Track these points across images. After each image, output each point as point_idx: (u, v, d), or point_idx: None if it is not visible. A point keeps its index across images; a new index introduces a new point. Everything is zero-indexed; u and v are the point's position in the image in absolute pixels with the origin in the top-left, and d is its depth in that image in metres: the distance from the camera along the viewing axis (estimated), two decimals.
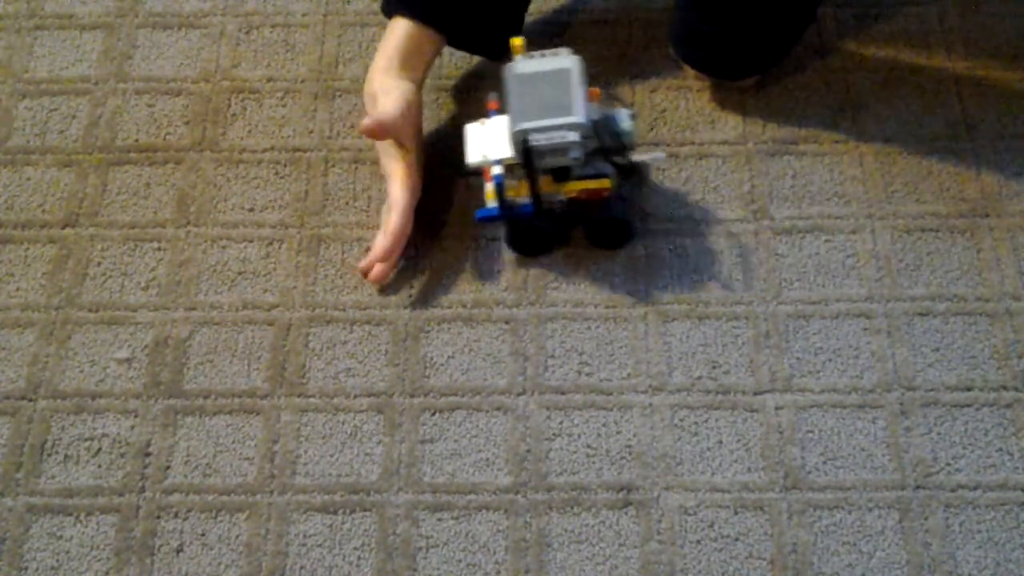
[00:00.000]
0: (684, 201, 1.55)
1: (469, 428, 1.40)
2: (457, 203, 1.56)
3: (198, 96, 1.68)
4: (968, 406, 1.40)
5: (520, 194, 1.45)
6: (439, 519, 1.34)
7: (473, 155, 1.46)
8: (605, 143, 1.43)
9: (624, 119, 1.43)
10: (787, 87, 1.66)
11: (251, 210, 1.57)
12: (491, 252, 1.51)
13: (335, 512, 1.35)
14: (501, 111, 1.46)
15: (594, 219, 1.49)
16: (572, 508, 1.34)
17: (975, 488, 1.34)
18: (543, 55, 1.45)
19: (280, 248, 1.54)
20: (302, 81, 1.69)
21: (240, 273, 1.52)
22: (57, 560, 1.33)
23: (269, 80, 1.69)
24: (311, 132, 1.64)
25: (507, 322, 1.47)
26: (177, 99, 1.68)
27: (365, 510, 1.35)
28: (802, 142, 1.61)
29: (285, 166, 1.61)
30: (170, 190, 1.59)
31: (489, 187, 1.47)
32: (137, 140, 1.64)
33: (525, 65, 1.44)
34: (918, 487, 1.34)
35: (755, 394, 1.41)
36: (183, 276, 1.52)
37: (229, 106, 1.67)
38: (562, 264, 1.50)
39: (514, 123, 1.40)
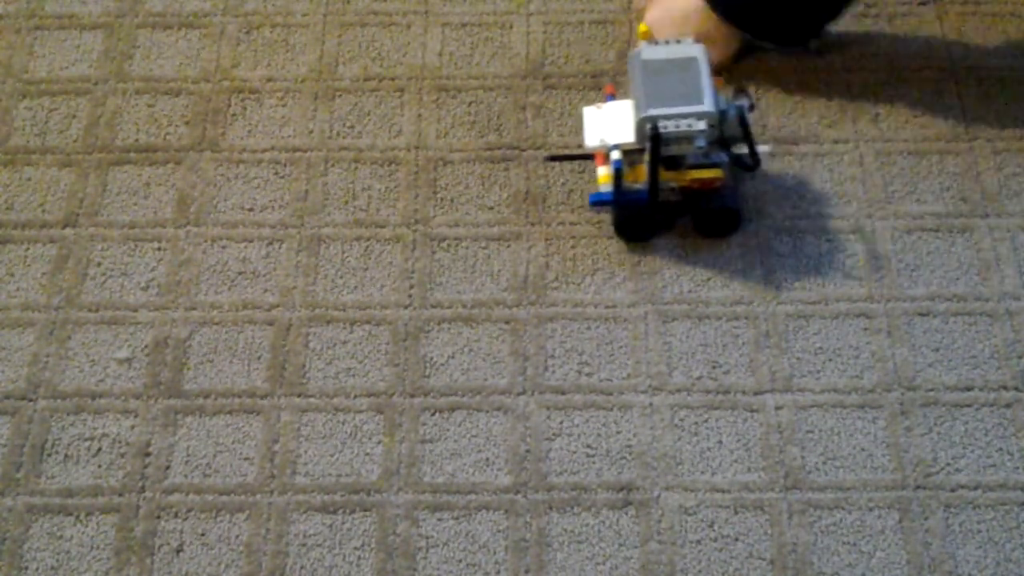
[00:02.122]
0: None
1: (469, 428, 1.40)
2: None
3: (198, 96, 1.68)
4: (968, 406, 1.40)
5: (635, 180, 1.46)
6: (439, 519, 1.34)
7: (591, 138, 1.46)
8: (725, 133, 1.44)
9: (737, 109, 1.43)
10: (787, 87, 1.66)
11: (251, 210, 1.57)
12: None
13: (335, 512, 1.35)
14: (617, 96, 1.47)
15: (706, 208, 1.49)
16: (572, 508, 1.34)
17: (975, 488, 1.34)
18: (667, 42, 1.45)
19: (280, 248, 1.54)
20: (302, 81, 1.69)
21: (240, 273, 1.52)
22: (57, 560, 1.32)
23: (269, 80, 1.70)
24: (311, 132, 1.64)
25: (507, 322, 1.47)
26: (177, 99, 1.68)
27: (365, 510, 1.35)
28: (802, 142, 1.61)
29: (285, 166, 1.61)
30: (170, 190, 1.59)
31: (602, 171, 1.48)
32: (137, 140, 1.64)
33: (652, 52, 1.44)
34: (918, 487, 1.34)
35: (755, 394, 1.41)
36: (183, 276, 1.52)
37: (229, 106, 1.67)
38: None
39: (642, 109, 1.40)
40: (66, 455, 1.39)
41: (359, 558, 1.32)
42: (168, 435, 1.40)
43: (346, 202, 1.57)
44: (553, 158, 1.54)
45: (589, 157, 1.53)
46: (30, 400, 1.43)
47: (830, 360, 1.43)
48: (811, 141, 1.61)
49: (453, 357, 1.45)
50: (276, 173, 1.61)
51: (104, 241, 1.55)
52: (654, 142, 1.39)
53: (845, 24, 1.71)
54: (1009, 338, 1.44)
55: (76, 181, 1.60)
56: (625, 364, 1.43)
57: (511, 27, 1.73)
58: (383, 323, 1.47)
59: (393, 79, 1.69)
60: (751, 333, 1.45)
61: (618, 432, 1.39)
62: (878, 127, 1.61)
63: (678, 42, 1.45)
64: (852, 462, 1.36)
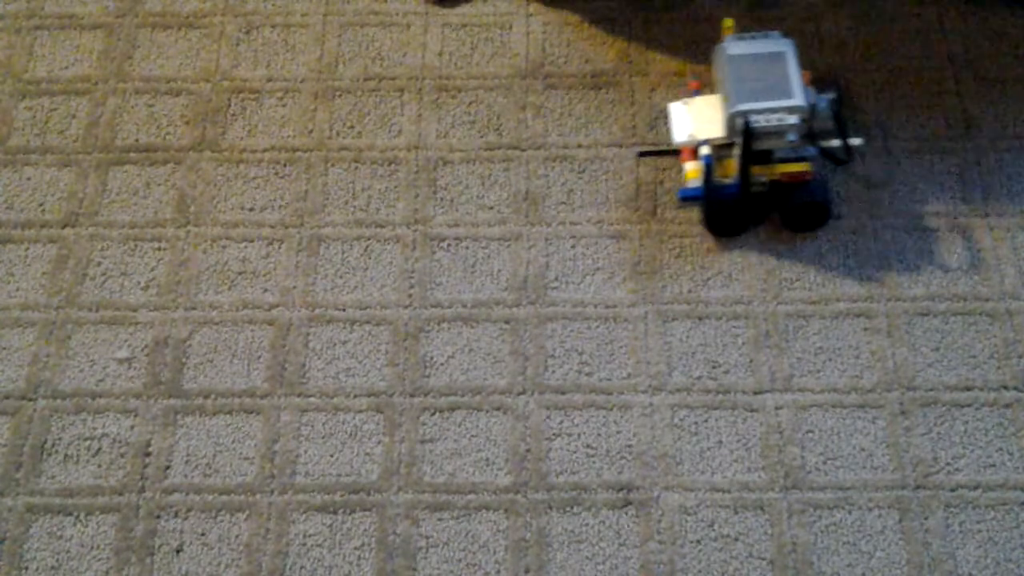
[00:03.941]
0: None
1: (469, 428, 1.40)
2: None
3: (198, 96, 1.68)
4: (968, 406, 1.40)
5: (724, 175, 1.46)
6: (439, 519, 1.34)
7: (679, 134, 1.46)
8: (814, 127, 1.44)
9: (828, 103, 1.44)
10: None
11: (251, 210, 1.57)
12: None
13: (335, 512, 1.35)
14: (702, 91, 1.48)
15: (795, 202, 1.49)
16: (572, 508, 1.34)
17: (975, 488, 1.34)
18: (753, 37, 1.46)
19: (280, 248, 1.54)
20: (302, 81, 1.69)
21: (240, 273, 1.52)
22: (57, 560, 1.32)
23: (269, 80, 1.69)
24: (311, 132, 1.64)
25: (507, 322, 1.47)
26: (177, 99, 1.68)
27: (365, 510, 1.35)
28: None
29: (285, 166, 1.61)
30: (170, 190, 1.59)
31: (690, 166, 1.48)
32: (137, 140, 1.64)
33: (738, 46, 1.45)
34: (918, 487, 1.34)
35: (755, 394, 1.41)
36: (183, 276, 1.52)
37: (229, 106, 1.67)
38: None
39: (733, 104, 1.40)
40: (66, 455, 1.39)
41: (359, 558, 1.32)
42: (168, 435, 1.40)
43: (346, 202, 1.57)
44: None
45: (677, 153, 1.53)
46: (30, 400, 1.43)
47: (830, 360, 1.43)
48: None
49: (453, 357, 1.45)
50: (276, 173, 1.60)
51: (104, 241, 1.55)
52: (746, 137, 1.40)
53: (845, 25, 1.71)
54: (1009, 338, 1.44)
55: (76, 181, 1.60)
56: (625, 364, 1.43)
57: (511, 27, 1.73)
58: (383, 323, 1.47)
59: (393, 79, 1.68)
60: (751, 333, 1.45)
61: (618, 432, 1.39)
62: (878, 127, 1.61)
63: (764, 36, 1.46)
64: (852, 462, 1.36)
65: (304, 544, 1.33)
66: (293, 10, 1.77)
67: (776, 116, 1.39)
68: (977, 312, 1.46)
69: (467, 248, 1.53)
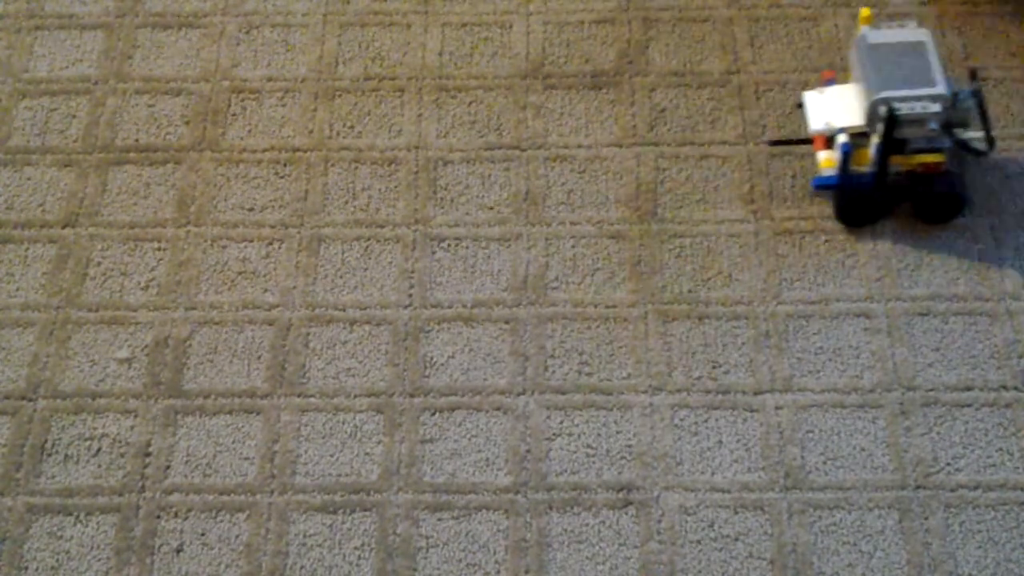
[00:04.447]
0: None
1: (469, 428, 1.40)
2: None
3: (198, 96, 1.68)
4: (968, 406, 1.40)
5: (857, 164, 1.46)
6: (439, 519, 1.34)
7: (816, 122, 1.47)
8: (953, 116, 1.44)
9: (971, 92, 1.44)
10: (788, 86, 1.66)
11: (251, 210, 1.57)
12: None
13: (335, 512, 1.35)
14: (835, 81, 1.49)
15: (930, 193, 1.48)
16: (572, 508, 1.34)
17: (975, 488, 1.34)
18: (890, 26, 1.47)
19: (280, 248, 1.54)
20: (302, 81, 1.69)
21: (240, 273, 1.52)
22: (57, 560, 1.32)
23: (269, 80, 1.69)
24: (311, 132, 1.64)
25: (507, 322, 1.47)
26: (177, 99, 1.68)
27: (365, 510, 1.35)
28: (802, 142, 1.60)
29: (285, 166, 1.61)
30: (170, 190, 1.59)
31: (823, 155, 1.48)
32: (137, 140, 1.64)
33: (878, 36, 1.45)
34: (918, 487, 1.34)
35: (755, 394, 1.41)
36: (183, 276, 1.52)
37: (229, 106, 1.67)
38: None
39: (875, 91, 1.41)
40: (66, 455, 1.39)
41: (359, 558, 1.32)
42: (168, 435, 1.40)
43: (346, 202, 1.57)
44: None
45: (809, 141, 1.53)
46: (30, 400, 1.43)
47: (830, 360, 1.43)
48: (811, 142, 1.60)
49: (453, 357, 1.45)
50: (276, 173, 1.60)
51: (104, 241, 1.55)
52: (888, 124, 1.40)
53: (845, 25, 1.71)
54: (1009, 338, 1.44)
55: (76, 181, 1.60)
56: (625, 364, 1.43)
57: (511, 27, 1.73)
58: (383, 323, 1.47)
59: (393, 79, 1.69)
60: (751, 333, 1.45)
61: (618, 432, 1.39)
62: None
63: (902, 26, 1.47)
64: (852, 462, 1.36)
65: (304, 544, 1.33)
66: (293, 10, 1.77)
67: (920, 104, 1.40)
68: (977, 312, 1.46)
69: (467, 248, 1.53)
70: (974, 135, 1.46)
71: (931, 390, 1.40)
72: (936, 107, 1.40)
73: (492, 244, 1.53)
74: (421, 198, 1.57)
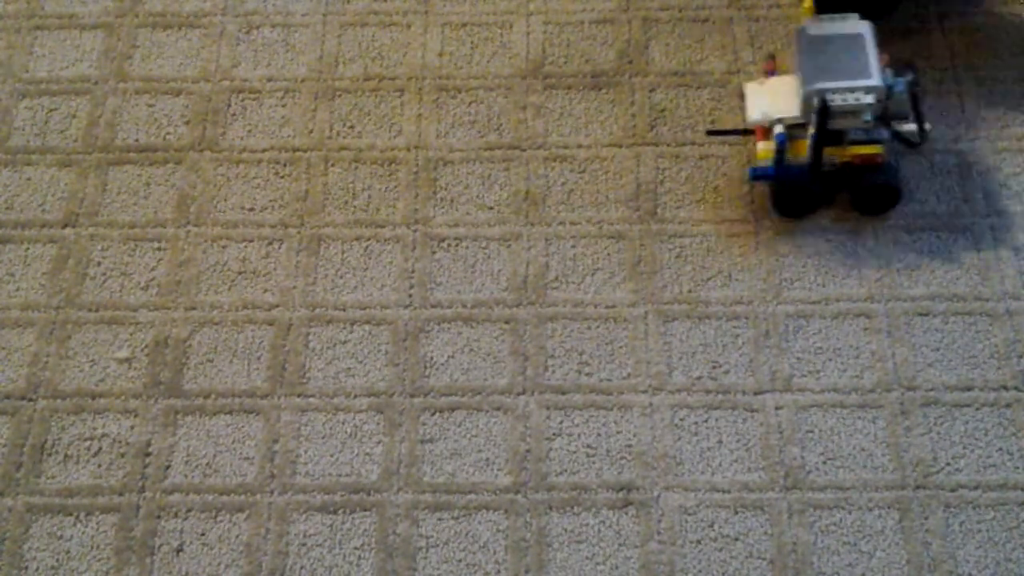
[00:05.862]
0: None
1: (469, 428, 1.40)
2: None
3: (198, 96, 1.68)
4: (968, 406, 1.40)
5: (795, 155, 1.47)
6: (439, 519, 1.34)
7: (754, 112, 1.47)
8: (889, 108, 1.44)
9: (906, 84, 1.44)
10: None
11: (251, 210, 1.57)
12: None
13: (335, 512, 1.35)
14: (777, 72, 1.50)
15: (866, 185, 1.49)
16: (572, 508, 1.34)
17: (975, 488, 1.34)
18: (832, 19, 1.47)
19: (280, 248, 1.54)
20: (302, 81, 1.69)
21: (240, 273, 1.52)
22: (57, 560, 1.33)
23: (269, 80, 1.70)
24: (311, 132, 1.64)
25: (507, 322, 1.47)
26: (177, 99, 1.68)
27: (365, 510, 1.35)
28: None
29: (285, 166, 1.61)
30: (170, 190, 1.59)
31: (762, 146, 1.48)
32: (137, 140, 1.64)
33: (817, 27, 1.46)
34: (918, 487, 1.34)
35: (755, 394, 1.41)
36: (183, 276, 1.52)
37: (229, 106, 1.67)
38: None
39: (809, 83, 1.41)
40: (66, 455, 1.39)
41: (359, 558, 1.32)
42: (168, 435, 1.40)
43: (346, 202, 1.57)
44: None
45: (749, 132, 1.53)
46: (30, 400, 1.43)
47: (830, 360, 1.43)
48: None
49: (453, 357, 1.45)
50: (276, 173, 1.61)
51: (104, 241, 1.55)
52: (821, 115, 1.40)
53: None
54: (1009, 338, 1.44)
55: (76, 181, 1.60)
56: (625, 364, 1.43)
57: (511, 27, 1.73)
58: (383, 323, 1.47)
59: (393, 79, 1.69)
60: (751, 333, 1.45)
61: (618, 432, 1.39)
62: None
63: (843, 18, 1.47)
64: (852, 462, 1.36)
65: (304, 544, 1.33)
66: (293, 10, 1.77)
67: (853, 96, 1.40)
68: (977, 312, 1.46)
69: (467, 248, 1.53)
70: (911, 127, 1.46)
71: (931, 390, 1.40)
72: (869, 99, 1.40)
73: (492, 244, 1.53)
74: (421, 198, 1.57)
